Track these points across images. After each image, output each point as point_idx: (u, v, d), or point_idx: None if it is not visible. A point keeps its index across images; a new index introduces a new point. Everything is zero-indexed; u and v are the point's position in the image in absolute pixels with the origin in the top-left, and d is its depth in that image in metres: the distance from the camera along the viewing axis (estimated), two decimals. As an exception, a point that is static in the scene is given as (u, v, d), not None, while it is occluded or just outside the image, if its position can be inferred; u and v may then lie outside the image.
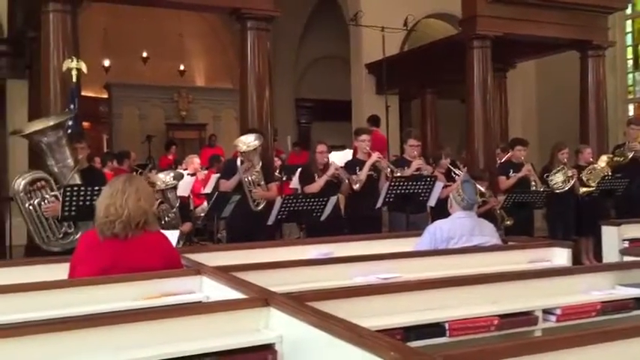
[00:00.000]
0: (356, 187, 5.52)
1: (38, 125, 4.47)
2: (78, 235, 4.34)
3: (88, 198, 4.14)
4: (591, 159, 7.26)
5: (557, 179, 6.82)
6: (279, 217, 5.03)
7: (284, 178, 7.28)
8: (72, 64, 5.02)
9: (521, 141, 6.99)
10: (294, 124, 14.69)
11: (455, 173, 6.03)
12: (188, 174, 7.48)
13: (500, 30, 7.25)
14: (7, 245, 7.31)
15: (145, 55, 13.80)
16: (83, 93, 5.63)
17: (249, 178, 5.40)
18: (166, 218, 5.23)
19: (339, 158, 6.13)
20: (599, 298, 2.65)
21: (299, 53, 14.42)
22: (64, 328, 1.89)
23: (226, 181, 5.55)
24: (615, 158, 7.38)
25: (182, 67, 14.42)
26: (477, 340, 2.31)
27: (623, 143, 7.57)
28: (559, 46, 8.53)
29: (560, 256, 3.50)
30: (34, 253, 4.66)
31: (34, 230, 4.41)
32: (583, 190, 6.99)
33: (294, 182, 6.61)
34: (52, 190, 4.41)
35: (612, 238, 4.70)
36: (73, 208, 4.19)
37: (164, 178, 5.45)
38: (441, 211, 4.55)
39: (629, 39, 11.49)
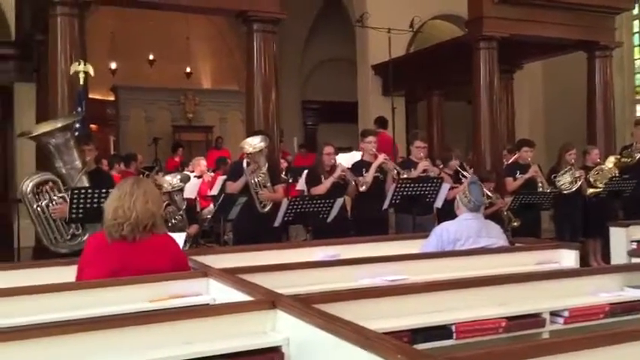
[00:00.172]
0: (362, 188, 5.52)
1: (46, 127, 4.49)
2: (85, 237, 4.35)
3: (96, 200, 4.15)
4: (599, 160, 7.23)
5: (565, 180, 6.79)
6: (285, 218, 5.03)
7: (290, 180, 7.29)
8: (79, 67, 5.05)
9: (528, 142, 6.97)
10: (300, 126, 14.70)
11: (462, 175, 6.02)
12: (195, 176, 7.49)
13: (507, 31, 7.23)
14: (15, 247, 7.36)
15: (151, 57, 13.85)
16: (90, 95, 5.66)
17: (256, 180, 5.40)
18: (173, 220, 5.24)
19: (347, 160, 6.13)
20: (607, 299, 2.64)
21: (305, 55, 14.44)
22: (72, 331, 1.90)
23: (233, 183, 5.55)
24: (623, 159, 7.35)
25: (188, 70, 14.46)
26: (484, 343, 2.31)
27: (630, 144, 7.54)
28: (566, 46, 8.50)
29: (568, 258, 3.49)
30: (42, 254, 4.68)
31: (42, 232, 4.42)
32: (590, 191, 6.96)
33: (301, 184, 6.61)
34: (59, 191, 4.42)
35: (620, 239, 4.68)
36: (81, 210, 4.21)
37: (171, 180, 5.46)
38: (448, 212, 4.54)
39: (636, 39, 11.44)
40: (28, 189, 4.37)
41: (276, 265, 3.03)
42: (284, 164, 7.74)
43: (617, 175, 7.00)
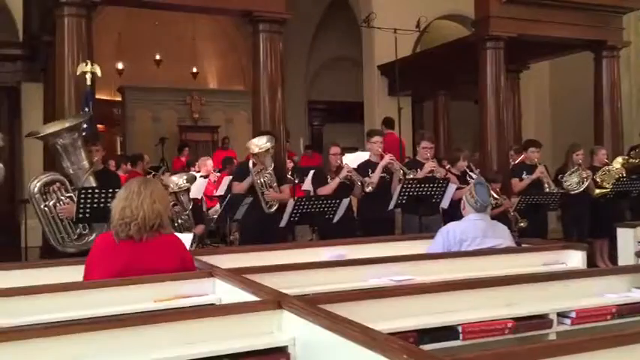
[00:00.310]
0: (368, 189, 5.51)
1: (54, 127, 4.51)
2: (93, 237, 4.37)
3: (103, 200, 4.17)
4: (606, 160, 7.20)
5: (572, 180, 6.77)
6: (291, 219, 5.03)
7: (296, 181, 7.29)
8: (86, 67, 5.07)
9: (534, 143, 6.94)
10: (306, 126, 14.70)
11: (469, 176, 6.00)
12: (201, 176, 7.51)
13: (514, 31, 7.21)
14: (23, 246, 7.40)
15: (158, 57, 13.89)
16: (97, 96, 5.69)
17: (262, 180, 5.41)
18: (179, 220, 5.25)
19: (353, 160, 6.13)
20: (615, 301, 2.63)
21: (311, 55, 14.44)
22: (79, 331, 1.91)
23: (239, 184, 5.57)
24: (631, 160, 7.32)
25: (195, 70, 14.49)
26: (491, 344, 2.30)
27: (638, 144, 7.51)
28: (573, 46, 8.46)
29: (575, 259, 3.48)
30: (50, 254, 4.71)
31: (49, 231, 4.45)
32: (598, 191, 6.93)
33: (307, 184, 6.61)
34: (67, 191, 4.45)
35: (627, 240, 4.66)
36: (88, 210, 4.23)
37: (177, 180, 5.47)
38: (455, 213, 4.53)
39: (644, 39, 11.36)
40: (36, 189, 4.39)
41: (282, 266, 3.03)
42: (290, 164, 7.75)
43: (624, 175, 6.97)
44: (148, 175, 8.00)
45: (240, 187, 5.54)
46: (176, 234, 3.07)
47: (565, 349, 1.64)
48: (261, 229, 5.33)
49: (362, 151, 7.60)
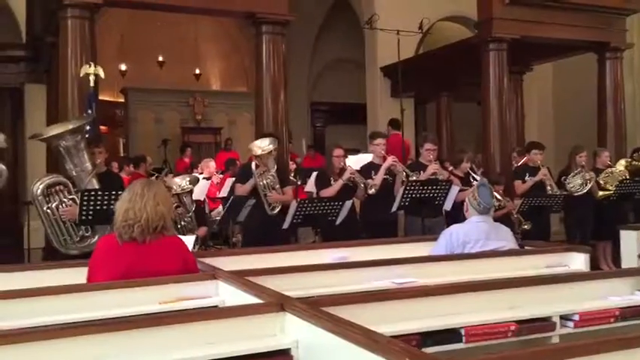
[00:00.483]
0: (371, 191, 5.51)
1: (57, 129, 4.51)
2: (95, 239, 4.37)
3: (106, 202, 4.18)
4: (609, 162, 7.19)
5: (575, 182, 6.76)
6: (294, 221, 5.03)
7: (299, 182, 7.30)
8: (90, 69, 5.08)
9: (537, 145, 6.94)
10: (308, 127, 14.71)
11: (473, 177, 6.00)
12: (204, 178, 7.51)
13: (517, 32, 7.20)
14: (26, 248, 7.42)
15: (160, 59, 13.91)
16: (100, 97, 5.69)
17: (264, 182, 5.41)
18: (182, 222, 5.25)
19: (358, 162, 6.13)
20: (618, 303, 2.62)
21: (314, 57, 14.45)
22: (81, 333, 1.91)
23: (241, 185, 5.57)
24: (634, 162, 7.30)
25: (197, 71, 14.50)
26: (493, 347, 2.30)
27: (641, 146, 7.49)
28: (576, 48, 8.45)
29: (578, 261, 3.47)
30: (52, 256, 4.71)
31: (51, 233, 4.45)
32: (601, 193, 6.92)
33: (309, 186, 6.61)
34: (69, 193, 4.45)
35: (631, 242, 4.65)
36: (91, 212, 4.23)
37: (180, 182, 5.48)
38: (457, 215, 4.53)
39: (647, 41, 11.33)
40: (39, 191, 4.39)
41: (284, 268, 3.03)
42: (293, 166, 7.75)
43: (627, 177, 6.96)
44: (151, 176, 8.01)
45: (242, 189, 5.54)
46: (179, 236, 3.07)
47: (568, 353, 1.64)
48: (264, 230, 5.33)
49: (364, 152, 7.60)
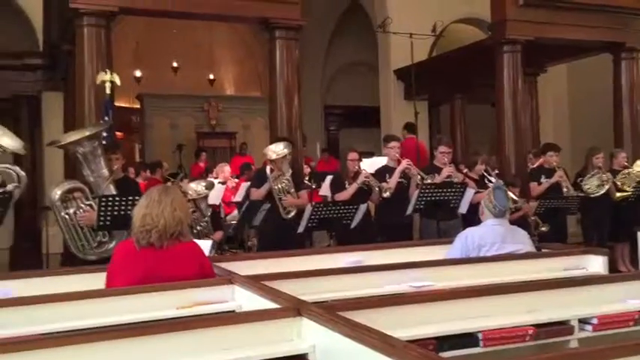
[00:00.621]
0: (386, 195, 5.51)
1: (74, 136, 4.57)
2: (113, 244, 4.42)
3: (123, 208, 4.22)
4: (626, 163, 7.12)
5: (592, 184, 6.71)
6: (309, 224, 5.04)
7: (314, 186, 7.31)
8: (106, 76, 5.13)
9: (552, 146, 6.89)
10: (322, 131, 14.71)
11: (488, 180, 5.97)
12: (219, 182, 7.55)
13: (531, 34, 7.15)
14: (44, 253, 7.50)
15: (175, 65, 14.02)
16: (116, 103, 5.75)
17: (279, 186, 5.43)
18: (198, 227, 5.28)
19: (372, 165, 6.13)
20: (637, 306, 2.60)
21: (327, 60, 14.46)
22: (100, 339, 1.92)
23: (257, 190, 5.59)
24: (651, 163, 7.22)
25: (212, 77, 14.59)
26: (511, 351, 2.29)
27: (659, 147, 7.41)
28: (591, 49, 8.38)
29: (596, 264, 3.44)
30: (71, 261, 4.76)
31: (69, 239, 4.50)
32: (618, 195, 6.86)
33: (324, 189, 6.62)
34: (87, 199, 4.50)
35: (649, 244, 4.60)
36: (109, 218, 4.28)
37: (196, 187, 5.51)
38: (473, 218, 4.51)
39: (664, 40, 11.20)
40: (57, 197, 4.45)
41: (300, 272, 3.04)
42: (307, 170, 7.77)
43: (645, 178, 6.89)
44: (167, 182, 8.07)
45: (258, 194, 5.57)
46: (195, 240, 3.10)
47: (588, 357, 1.63)
48: (279, 235, 5.35)
49: (378, 155, 7.60)
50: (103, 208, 4.25)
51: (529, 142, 8.22)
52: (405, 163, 5.68)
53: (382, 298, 2.63)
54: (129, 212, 3.64)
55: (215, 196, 6.71)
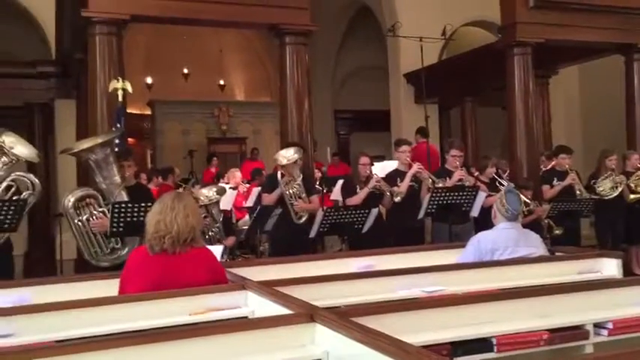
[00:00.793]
0: (397, 199, 5.51)
1: (87, 143, 4.61)
2: (125, 251, 4.45)
3: (135, 214, 4.24)
4: (639, 165, 7.06)
5: (605, 186, 6.66)
6: (321, 229, 5.05)
7: (325, 191, 7.31)
8: (118, 84, 5.17)
9: (565, 149, 6.85)
10: (333, 135, 14.73)
11: (499, 182, 5.94)
12: (230, 187, 7.57)
13: (541, 36, 7.11)
14: (58, 259, 7.56)
15: (185, 71, 14.10)
16: (127, 110, 5.79)
17: (291, 191, 5.44)
18: (210, 233, 5.30)
19: (383, 169, 6.13)
20: (653, 310, 2.57)
21: (337, 64, 14.49)
22: (113, 345, 1.93)
23: (268, 195, 5.61)
24: (665, 164, 7.15)
25: (222, 82, 14.66)
26: (525, 356, 2.27)
27: (673, 148, 7.34)
28: (602, 50, 8.33)
29: (611, 267, 3.42)
30: (84, 267, 4.79)
31: (82, 246, 4.53)
32: (632, 196, 6.80)
33: (335, 194, 6.62)
34: (100, 206, 4.53)
35: (664, 246, 4.55)
36: (122, 224, 4.30)
37: (207, 193, 5.53)
38: (486, 221, 4.49)
39: (676, 40, 11.11)
40: (70, 204, 4.49)
41: (312, 278, 3.04)
42: (318, 174, 7.77)
43: (658, 180, 6.83)
44: (179, 187, 8.11)
45: (269, 199, 5.58)
46: (207, 246, 3.11)
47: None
48: (291, 239, 5.35)
49: (388, 159, 7.59)
50: (116, 215, 4.28)
51: (541, 145, 8.17)
52: (416, 167, 5.68)
53: (395, 303, 2.63)
54: (141, 219, 3.67)
55: (227, 202, 6.73)
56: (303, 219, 5.43)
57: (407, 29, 8.98)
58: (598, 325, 2.45)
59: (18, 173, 4.43)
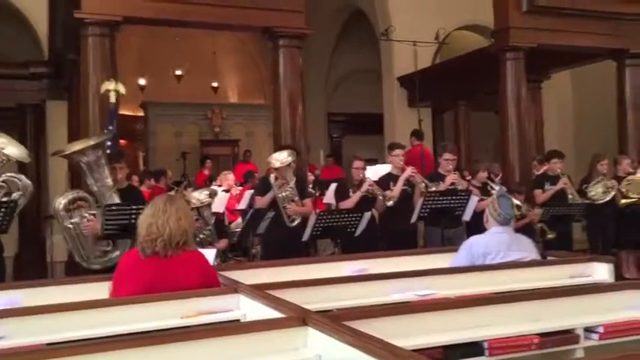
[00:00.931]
0: (389, 203, 5.51)
1: (79, 145, 4.58)
2: (116, 254, 4.42)
3: (127, 217, 4.22)
4: (630, 170, 7.10)
5: (597, 190, 6.69)
6: (313, 233, 5.04)
7: (317, 194, 7.31)
8: (111, 86, 5.15)
9: (557, 153, 6.88)
10: (326, 138, 14.74)
11: (491, 187, 5.96)
12: (222, 190, 7.56)
13: (534, 41, 7.16)
14: (49, 261, 7.52)
15: (178, 73, 14.07)
16: (120, 112, 5.77)
17: (283, 195, 5.43)
18: (201, 235, 5.29)
19: (376, 172, 6.13)
20: (644, 315, 2.58)
21: (330, 68, 14.50)
22: (104, 349, 1.92)
23: (261, 198, 5.60)
24: (656, 169, 7.20)
25: (215, 84, 14.64)
26: (517, 360, 2.28)
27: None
28: (595, 55, 8.38)
29: (602, 271, 3.44)
30: (75, 269, 4.77)
31: (73, 248, 4.51)
32: (623, 201, 6.83)
33: (329, 197, 6.62)
34: (91, 208, 4.50)
35: (655, 251, 4.58)
36: (114, 227, 4.28)
37: (198, 196, 5.53)
38: (478, 225, 4.50)
39: (667, 46, 11.20)
40: (61, 206, 4.46)
41: (305, 281, 3.04)
42: (311, 177, 7.77)
43: (649, 184, 6.86)
44: (171, 190, 8.08)
45: (262, 202, 5.57)
46: (199, 249, 3.10)
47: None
48: (284, 243, 5.34)
49: (381, 162, 7.60)
50: (108, 217, 4.26)
51: (533, 149, 8.21)
52: (409, 170, 5.68)
53: (387, 307, 2.62)
54: (133, 221, 3.65)
55: (219, 204, 6.71)
56: (296, 222, 5.43)
57: (400, 33, 9.01)
58: (589, 330, 2.46)
59: (9, 174, 4.40)
